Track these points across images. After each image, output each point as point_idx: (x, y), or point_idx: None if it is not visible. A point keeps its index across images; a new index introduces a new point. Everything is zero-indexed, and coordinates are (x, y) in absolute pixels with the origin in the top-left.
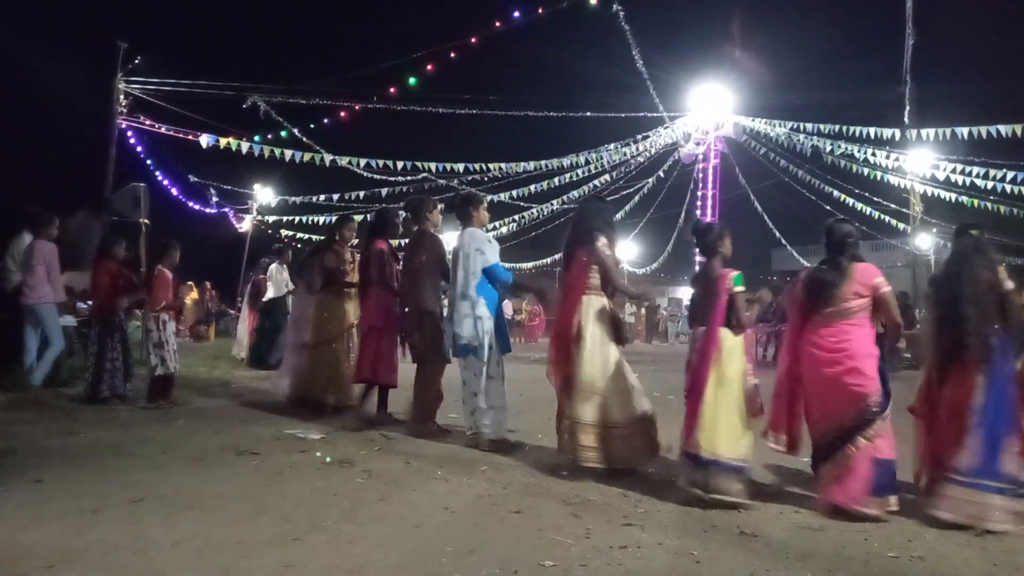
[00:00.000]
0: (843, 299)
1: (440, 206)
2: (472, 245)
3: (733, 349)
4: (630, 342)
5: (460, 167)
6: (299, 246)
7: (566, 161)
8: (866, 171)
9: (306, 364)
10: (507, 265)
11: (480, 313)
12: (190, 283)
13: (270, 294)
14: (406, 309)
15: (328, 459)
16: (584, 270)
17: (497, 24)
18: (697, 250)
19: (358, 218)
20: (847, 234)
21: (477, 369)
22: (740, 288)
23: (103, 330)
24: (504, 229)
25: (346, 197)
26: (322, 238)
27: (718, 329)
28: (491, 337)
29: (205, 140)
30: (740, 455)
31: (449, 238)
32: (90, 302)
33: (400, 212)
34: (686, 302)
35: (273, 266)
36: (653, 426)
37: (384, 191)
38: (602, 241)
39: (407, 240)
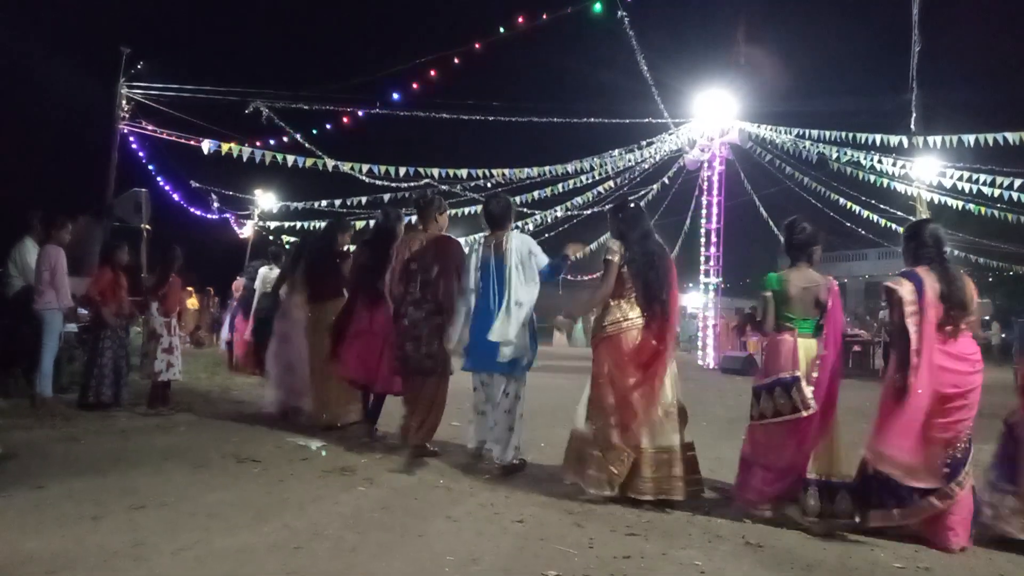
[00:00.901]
0: (972, 308)
1: (447, 209)
2: (525, 248)
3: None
4: None
5: (463, 173)
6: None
7: (570, 167)
8: (872, 178)
9: (317, 382)
10: None
11: (529, 323)
12: (189, 288)
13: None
14: (416, 317)
15: (329, 467)
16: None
17: (501, 30)
18: (788, 251)
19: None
20: (941, 237)
21: (510, 387)
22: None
23: (95, 336)
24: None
25: (348, 203)
26: (312, 241)
27: (840, 343)
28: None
29: (207, 145)
30: (848, 473)
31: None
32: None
33: (403, 215)
34: (690, 310)
35: (263, 269)
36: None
37: (386, 197)
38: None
39: (414, 241)
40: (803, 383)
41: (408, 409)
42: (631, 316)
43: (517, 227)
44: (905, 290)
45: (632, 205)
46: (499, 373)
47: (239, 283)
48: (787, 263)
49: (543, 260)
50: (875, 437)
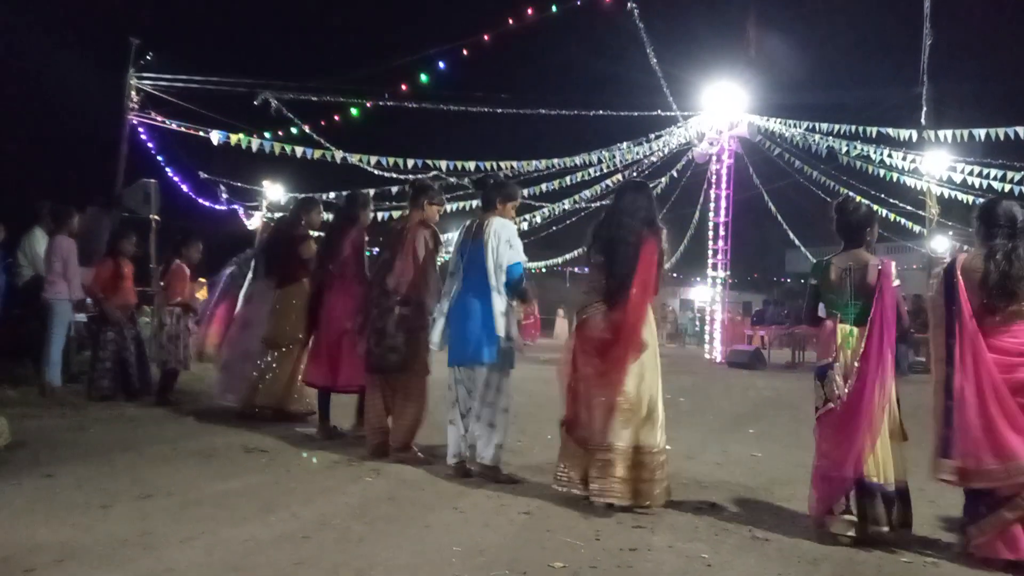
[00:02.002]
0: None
1: (441, 206)
2: (503, 235)
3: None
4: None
5: (471, 165)
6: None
7: (578, 160)
8: (882, 172)
9: (272, 370)
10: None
11: (510, 312)
12: (202, 280)
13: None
14: (381, 309)
15: (337, 458)
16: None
17: (510, 22)
18: (840, 232)
19: None
20: (1015, 215)
21: (491, 378)
22: (897, 281)
23: (97, 328)
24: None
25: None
26: (277, 222)
27: (892, 332)
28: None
29: (216, 136)
30: (895, 479)
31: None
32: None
33: (369, 200)
34: (698, 304)
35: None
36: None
37: (394, 188)
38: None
39: (393, 227)
40: (836, 372)
41: (368, 406)
42: (595, 302)
43: (526, 219)
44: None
45: (623, 180)
46: (480, 364)
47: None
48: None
49: (516, 257)
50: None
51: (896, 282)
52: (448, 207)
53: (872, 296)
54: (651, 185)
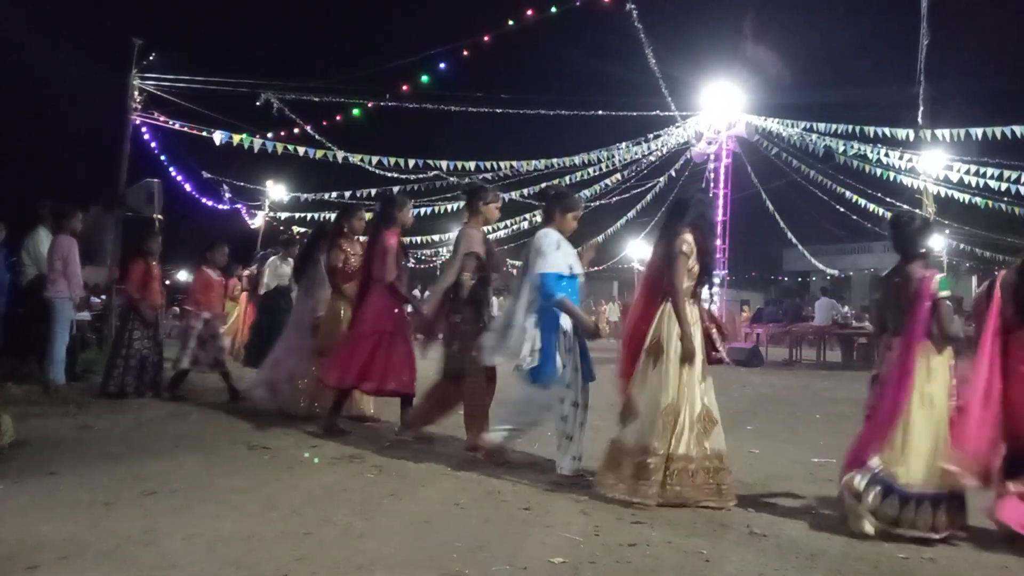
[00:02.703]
0: None
1: (498, 201)
2: (534, 245)
3: (939, 365)
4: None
5: (472, 165)
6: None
7: (577, 159)
8: (879, 171)
9: (312, 373)
10: (519, 264)
11: (528, 327)
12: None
13: (267, 286)
14: (448, 316)
15: (339, 454)
16: (660, 272)
17: (510, 22)
18: (895, 245)
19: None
20: None
21: (561, 394)
22: (945, 293)
23: (123, 326)
24: (515, 228)
25: (358, 194)
26: (322, 229)
27: (920, 341)
28: (559, 360)
29: (219, 136)
30: (943, 483)
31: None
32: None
33: (408, 200)
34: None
35: (274, 258)
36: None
37: (396, 188)
38: (686, 237)
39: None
40: (878, 381)
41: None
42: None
43: (525, 219)
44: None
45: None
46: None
47: (235, 281)
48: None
49: (547, 265)
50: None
51: (943, 293)
52: (448, 207)
53: (910, 308)
54: (650, 184)
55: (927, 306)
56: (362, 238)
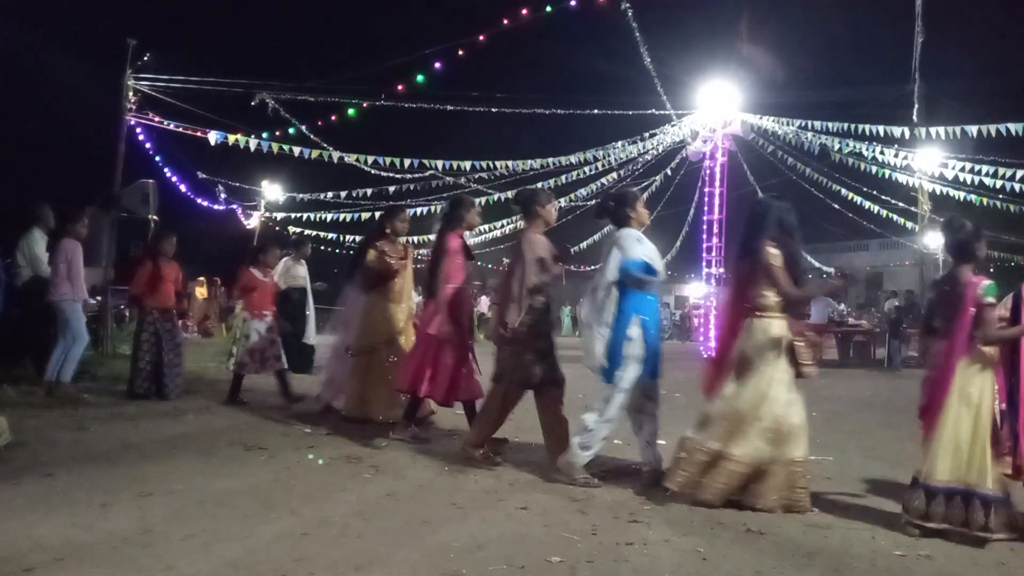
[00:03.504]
0: None
1: (553, 202)
2: (612, 245)
3: (981, 367)
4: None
5: (467, 165)
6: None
7: (573, 159)
8: (874, 169)
9: (350, 374)
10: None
11: (632, 335)
12: (201, 279)
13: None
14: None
15: (336, 455)
16: (747, 286)
17: (505, 22)
18: (947, 249)
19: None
20: None
21: (604, 394)
22: (991, 300)
23: (137, 330)
24: (510, 227)
25: (353, 194)
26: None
27: (963, 344)
28: (636, 365)
29: (214, 137)
30: (995, 484)
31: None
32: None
33: (475, 202)
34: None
35: (287, 259)
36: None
37: (391, 188)
38: (771, 250)
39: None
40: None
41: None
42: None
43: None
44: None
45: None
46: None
47: None
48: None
49: (625, 256)
50: None
51: (988, 300)
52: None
53: (956, 313)
54: (646, 183)
55: (972, 311)
56: (402, 239)
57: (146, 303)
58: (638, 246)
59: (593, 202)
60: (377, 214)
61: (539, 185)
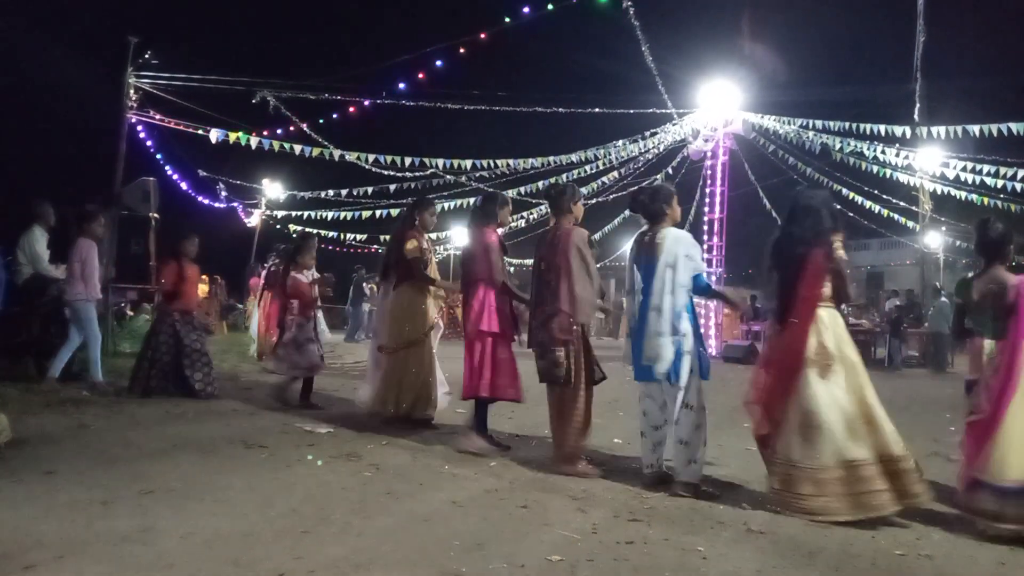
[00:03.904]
0: None
1: (582, 199)
2: (681, 249)
3: None
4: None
5: (468, 163)
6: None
7: (574, 157)
8: (875, 169)
9: (386, 372)
10: (515, 262)
11: (684, 329)
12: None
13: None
14: (540, 320)
15: (336, 453)
16: (820, 278)
17: (506, 20)
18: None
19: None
20: None
21: (670, 396)
22: None
23: (151, 329)
24: (512, 226)
25: (354, 193)
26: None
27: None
28: (692, 359)
29: (214, 135)
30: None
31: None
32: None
33: (507, 199)
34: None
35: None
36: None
37: (392, 187)
38: (838, 244)
39: (549, 232)
40: (980, 386)
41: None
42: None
43: (522, 217)
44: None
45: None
46: (645, 382)
47: (257, 281)
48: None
49: (700, 266)
50: None
51: None
52: (445, 205)
53: (1010, 314)
54: (647, 182)
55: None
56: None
57: (171, 305)
58: (698, 252)
59: (594, 201)
60: (378, 212)
61: (539, 184)
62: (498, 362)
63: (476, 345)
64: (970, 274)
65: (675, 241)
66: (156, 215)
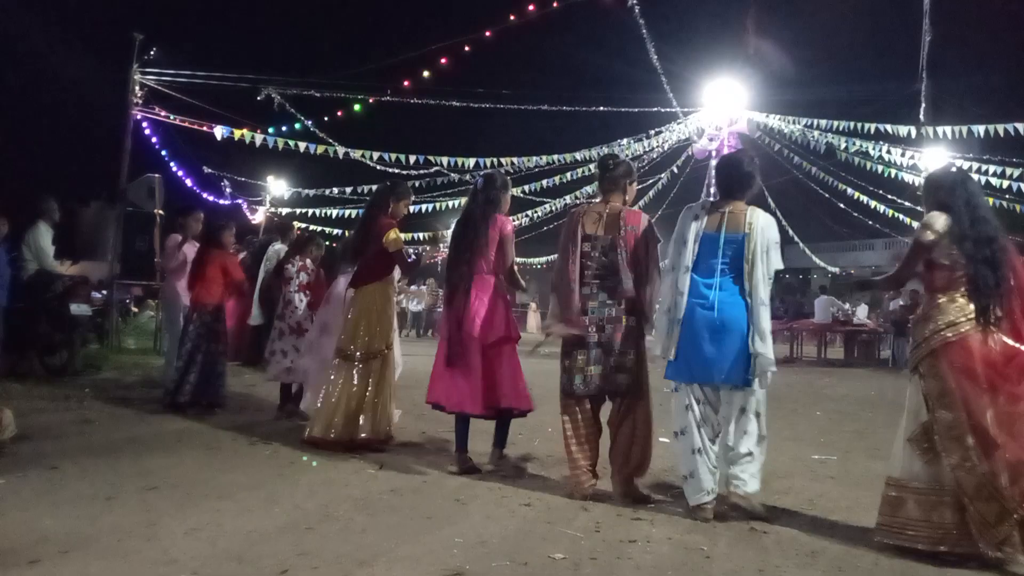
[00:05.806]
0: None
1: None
2: (772, 237)
3: None
4: None
5: (472, 162)
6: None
7: (579, 156)
8: (880, 168)
9: (336, 385)
10: (520, 260)
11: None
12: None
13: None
14: (620, 319)
15: (340, 450)
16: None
17: (511, 18)
18: None
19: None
20: None
21: (736, 403)
22: None
23: (202, 329)
24: (516, 224)
25: (359, 190)
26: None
27: None
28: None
29: (219, 132)
30: None
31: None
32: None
33: (508, 182)
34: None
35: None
36: None
37: None
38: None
39: (588, 216)
40: None
41: (573, 437)
42: (969, 314)
43: (527, 215)
44: None
45: (954, 169)
46: (733, 386)
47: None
48: None
49: (777, 263)
50: None
51: None
52: (447, 203)
53: None
54: (652, 181)
55: None
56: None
57: (203, 299)
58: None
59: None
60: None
61: (543, 182)
62: (518, 369)
63: (503, 351)
64: None
65: (768, 225)
66: (161, 211)
